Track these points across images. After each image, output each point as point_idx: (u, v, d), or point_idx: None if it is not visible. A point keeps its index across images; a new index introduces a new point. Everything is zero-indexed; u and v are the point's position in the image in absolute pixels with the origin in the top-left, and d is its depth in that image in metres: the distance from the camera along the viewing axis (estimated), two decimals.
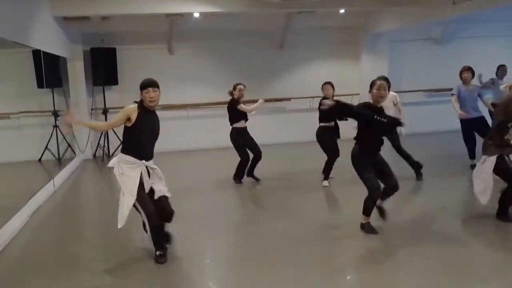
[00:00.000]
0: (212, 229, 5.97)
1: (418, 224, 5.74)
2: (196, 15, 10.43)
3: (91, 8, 9.35)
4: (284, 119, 12.53)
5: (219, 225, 6.16)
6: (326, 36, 12.44)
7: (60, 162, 10.56)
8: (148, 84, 4.65)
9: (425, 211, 6.24)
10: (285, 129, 12.46)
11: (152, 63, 11.79)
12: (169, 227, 5.05)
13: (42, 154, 10.46)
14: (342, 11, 11.19)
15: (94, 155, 11.72)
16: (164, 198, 4.84)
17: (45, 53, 8.77)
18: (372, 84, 5.31)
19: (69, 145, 11.12)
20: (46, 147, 10.53)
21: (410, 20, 10.95)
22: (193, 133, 12.03)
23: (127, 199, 4.58)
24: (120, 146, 4.94)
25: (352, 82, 12.26)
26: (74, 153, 11.14)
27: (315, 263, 4.64)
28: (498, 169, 5.46)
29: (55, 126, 10.56)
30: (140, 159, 4.70)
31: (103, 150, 11.53)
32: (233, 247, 5.37)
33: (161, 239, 4.80)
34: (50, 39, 9.07)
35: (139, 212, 4.68)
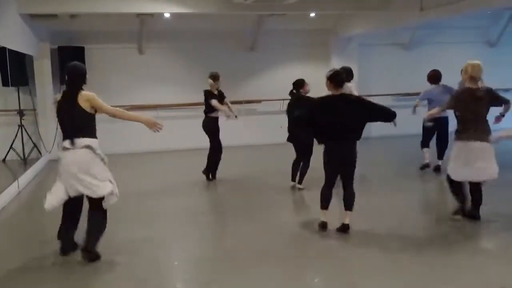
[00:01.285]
0: (180, 231, 5.93)
1: (386, 225, 5.84)
2: (167, 15, 10.37)
3: (59, 5, 9.20)
4: (255, 121, 12.56)
5: (187, 226, 6.13)
6: (297, 39, 12.54)
7: (26, 162, 10.35)
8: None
9: (389, 213, 6.36)
10: (255, 131, 12.48)
11: (121, 62, 11.66)
12: (137, 227, 5.00)
13: (7, 154, 10.24)
14: (312, 14, 11.32)
15: None
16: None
17: (10, 51, 8.59)
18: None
19: (34, 145, 10.90)
20: (11, 147, 10.30)
21: (379, 25, 11.16)
22: (163, 134, 11.83)
23: (114, 184, 4.82)
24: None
25: (322, 84, 12.33)
26: (40, 153, 10.91)
27: (283, 264, 4.66)
28: None
29: (21, 125, 10.35)
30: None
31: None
32: (201, 249, 5.34)
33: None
34: (16, 37, 8.86)
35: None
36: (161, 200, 7.42)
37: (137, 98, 11.72)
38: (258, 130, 12.47)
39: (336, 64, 12.70)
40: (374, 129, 10.05)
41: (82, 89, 4.75)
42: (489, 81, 10.22)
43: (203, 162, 8.47)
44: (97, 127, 4.87)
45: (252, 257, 4.89)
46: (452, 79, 10.12)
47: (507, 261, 4.61)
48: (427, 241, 5.25)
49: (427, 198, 7.66)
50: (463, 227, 5.63)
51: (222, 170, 8.51)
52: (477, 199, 5.75)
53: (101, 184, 4.71)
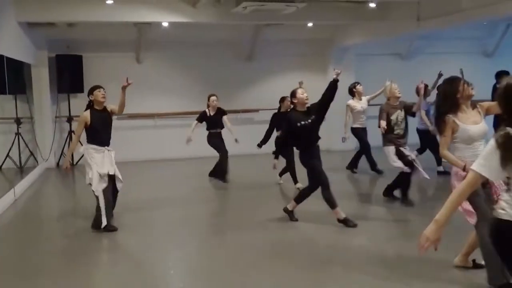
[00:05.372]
0: (177, 240, 5.90)
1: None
2: (165, 24, 10.40)
3: (57, 14, 9.23)
4: (252, 130, 12.52)
5: (184, 235, 6.11)
6: (294, 49, 12.57)
7: (22, 170, 10.31)
8: (99, 86, 6.25)
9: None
10: (252, 140, 12.43)
11: (119, 71, 11.60)
12: (134, 237, 4.98)
13: (3, 162, 10.20)
14: (310, 24, 11.37)
15: (58, 164, 11.45)
16: (115, 177, 6.08)
17: (8, 59, 8.58)
18: (294, 93, 6.10)
19: (31, 153, 10.87)
20: (8, 155, 10.27)
21: (377, 35, 11.22)
22: (160, 143, 11.91)
23: (95, 174, 5.88)
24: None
25: (320, 94, 12.38)
26: (37, 161, 10.88)
27: (280, 275, 4.65)
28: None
29: (17, 133, 10.33)
30: (102, 145, 6.03)
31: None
32: (197, 258, 5.32)
33: (109, 212, 5.93)
34: (13, 45, 8.86)
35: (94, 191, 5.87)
36: (158, 208, 7.38)
37: (134, 107, 11.65)
38: (256, 140, 12.44)
39: (333, 74, 12.79)
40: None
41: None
42: (485, 91, 10.36)
43: (200, 171, 8.45)
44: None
45: (250, 267, 4.86)
46: None
47: None
48: None
49: None
50: None
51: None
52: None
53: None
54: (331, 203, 5.95)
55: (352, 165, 9.59)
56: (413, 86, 8.53)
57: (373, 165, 9.24)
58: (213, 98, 8.86)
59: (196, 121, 8.94)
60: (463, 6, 8.34)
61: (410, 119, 7.14)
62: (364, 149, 9.33)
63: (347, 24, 11.74)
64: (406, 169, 6.73)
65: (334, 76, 6.12)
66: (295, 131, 5.98)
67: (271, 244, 5.57)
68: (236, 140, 8.84)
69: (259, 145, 8.46)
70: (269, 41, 12.16)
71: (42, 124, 11.07)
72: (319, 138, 6.16)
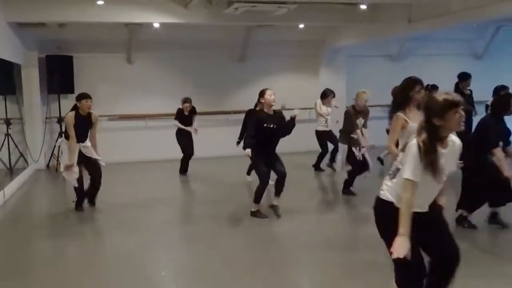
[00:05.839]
0: (167, 242, 5.90)
1: None
2: (156, 25, 10.37)
3: (48, 14, 9.16)
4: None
5: (174, 237, 6.10)
6: (286, 50, 12.57)
7: (12, 171, 10.24)
8: (88, 96, 6.80)
9: None
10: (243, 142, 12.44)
11: (110, 72, 11.62)
12: (123, 238, 4.95)
13: None
14: (301, 25, 11.39)
15: (48, 165, 11.37)
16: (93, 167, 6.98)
17: None
18: (262, 92, 6.38)
19: (21, 154, 10.79)
20: None
21: (368, 37, 11.25)
22: (151, 144, 11.85)
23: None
24: None
25: (312, 95, 12.39)
26: (27, 162, 10.80)
27: (270, 275, 4.65)
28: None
29: (7, 134, 10.26)
30: (77, 142, 6.76)
31: (58, 160, 11.14)
32: (189, 259, 5.31)
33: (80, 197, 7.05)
34: (3, 45, 8.78)
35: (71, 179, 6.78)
36: (149, 210, 7.36)
37: (125, 108, 11.68)
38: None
39: (325, 75, 12.83)
40: None
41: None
42: (475, 93, 10.42)
43: (192, 173, 8.43)
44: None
45: (240, 269, 4.87)
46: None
47: None
48: None
49: None
50: None
51: (208, 180, 8.46)
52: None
53: None
54: (257, 197, 6.42)
55: (328, 164, 9.95)
56: None
57: (318, 164, 9.96)
58: (186, 104, 9.69)
59: (177, 121, 9.75)
60: (453, 8, 8.40)
61: None
62: (323, 152, 9.90)
63: (339, 26, 11.77)
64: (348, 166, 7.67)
65: (293, 116, 6.39)
66: (259, 131, 6.26)
67: (264, 243, 5.57)
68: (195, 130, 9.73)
69: (238, 143, 8.74)
70: (260, 42, 12.16)
71: (32, 125, 10.99)
72: (276, 144, 6.52)
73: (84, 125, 6.87)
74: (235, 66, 12.53)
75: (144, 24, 10.44)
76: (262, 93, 6.38)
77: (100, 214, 7.09)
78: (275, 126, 6.28)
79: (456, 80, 9.86)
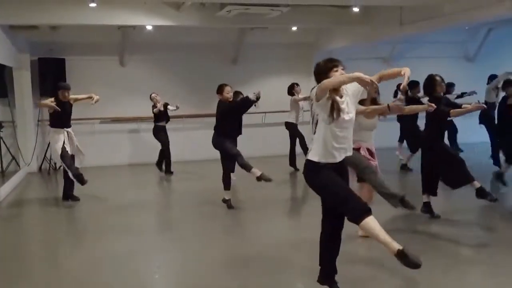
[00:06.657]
0: (160, 244, 5.88)
1: None
2: (149, 27, 10.37)
3: (40, 17, 9.13)
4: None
5: (167, 240, 6.08)
6: (279, 52, 12.60)
7: (4, 175, 10.19)
8: (67, 87, 7.74)
9: None
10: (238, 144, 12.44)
11: (102, 74, 11.59)
12: (118, 242, 4.92)
13: None
14: (294, 28, 11.42)
15: (40, 168, 11.31)
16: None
17: None
18: (221, 89, 7.27)
19: (13, 157, 10.74)
20: None
21: (360, 39, 11.31)
22: (144, 146, 11.82)
23: (56, 152, 7.48)
24: None
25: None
26: (19, 165, 10.75)
27: (267, 277, 4.65)
28: None
29: None
30: (62, 127, 7.52)
31: (50, 163, 11.10)
32: (182, 262, 5.30)
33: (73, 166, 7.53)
34: None
35: (62, 164, 7.49)
36: (141, 212, 7.34)
37: (118, 111, 11.64)
38: (239, 143, 12.44)
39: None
40: None
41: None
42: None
43: (184, 176, 8.42)
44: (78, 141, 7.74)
45: (235, 272, 4.86)
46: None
47: None
48: None
49: None
50: None
51: (200, 182, 8.44)
52: None
53: None
54: (247, 167, 6.82)
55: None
56: (394, 88, 8.69)
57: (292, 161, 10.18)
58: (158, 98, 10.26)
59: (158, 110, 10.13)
60: (445, 10, 8.46)
61: None
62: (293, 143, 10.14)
63: (331, 28, 11.82)
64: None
65: (252, 96, 6.96)
66: (224, 115, 7.00)
67: (260, 243, 5.57)
68: (177, 107, 10.34)
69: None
70: (253, 45, 12.17)
71: (24, 128, 10.94)
72: (240, 131, 7.45)
73: (65, 110, 7.53)
74: (228, 68, 12.51)
75: (137, 26, 10.43)
76: (220, 90, 7.32)
77: (92, 217, 7.07)
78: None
79: (448, 81, 9.89)
